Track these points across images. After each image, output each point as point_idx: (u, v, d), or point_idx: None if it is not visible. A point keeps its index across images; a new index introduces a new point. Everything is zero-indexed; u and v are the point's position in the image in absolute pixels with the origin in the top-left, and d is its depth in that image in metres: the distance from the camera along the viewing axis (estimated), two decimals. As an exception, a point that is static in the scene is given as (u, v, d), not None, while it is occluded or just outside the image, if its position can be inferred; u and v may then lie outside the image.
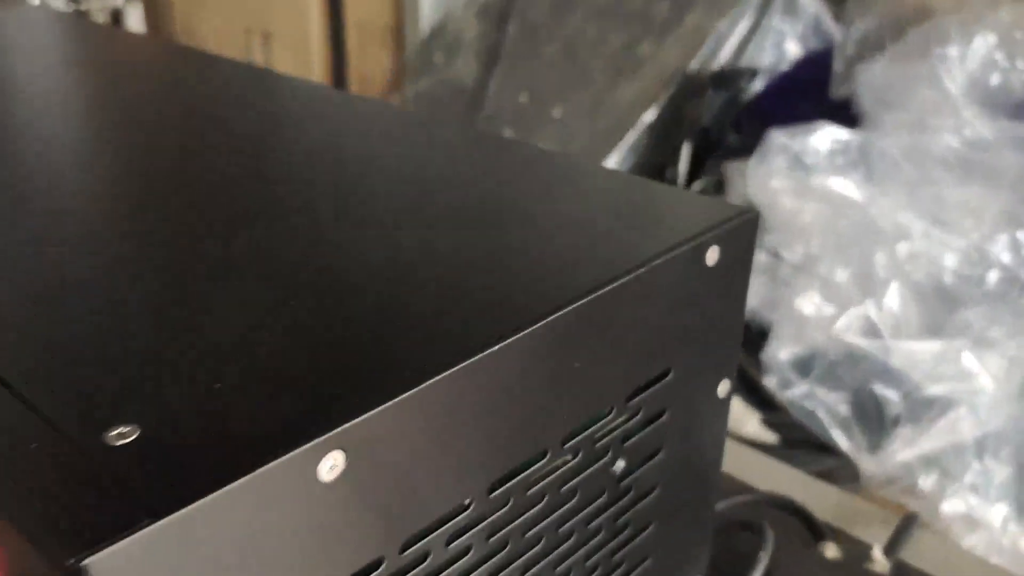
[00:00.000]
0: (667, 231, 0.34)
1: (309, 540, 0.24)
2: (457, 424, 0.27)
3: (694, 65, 1.32)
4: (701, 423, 0.38)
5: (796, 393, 0.89)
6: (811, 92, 1.15)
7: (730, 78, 1.27)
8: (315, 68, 1.85)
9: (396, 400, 0.25)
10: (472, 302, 0.29)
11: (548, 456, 0.30)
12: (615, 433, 0.33)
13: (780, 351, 0.91)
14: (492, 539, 0.30)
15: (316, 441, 0.23)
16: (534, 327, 0.28)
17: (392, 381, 0.25)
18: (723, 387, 0.38)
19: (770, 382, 0.90)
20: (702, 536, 0.42)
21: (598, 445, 0.33)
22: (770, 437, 0.90)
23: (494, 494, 0.29)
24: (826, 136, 0.98)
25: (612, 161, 1.35)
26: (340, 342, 0.27)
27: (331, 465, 0.24)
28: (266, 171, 0.40)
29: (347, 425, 0.24)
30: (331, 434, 0.24)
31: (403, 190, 0.38)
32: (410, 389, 0.25)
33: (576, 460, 0.32)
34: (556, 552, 0.33)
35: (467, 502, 0.28)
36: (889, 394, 0.87)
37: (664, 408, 0.35)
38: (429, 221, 0.35)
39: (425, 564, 0.28)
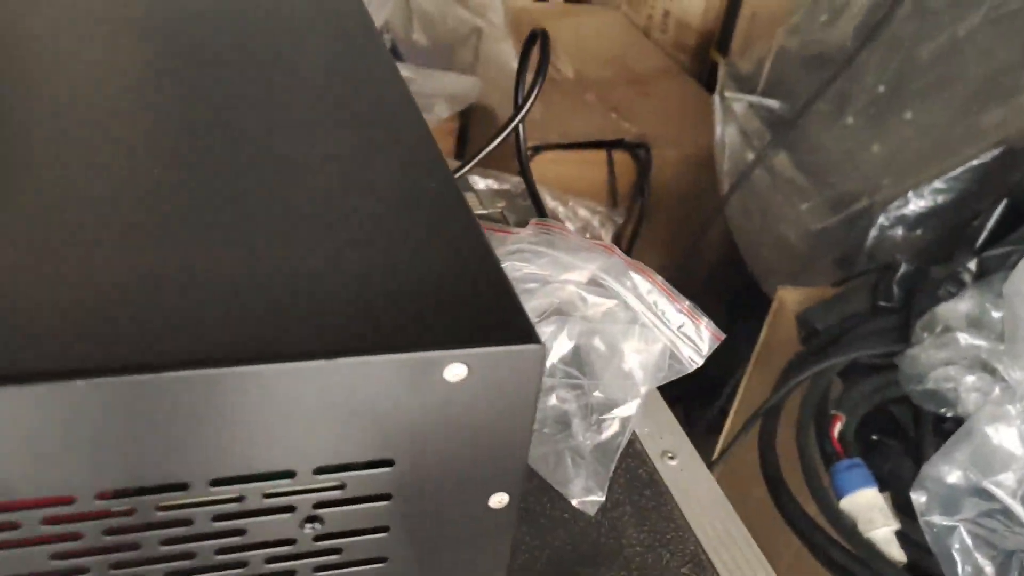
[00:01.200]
0: (412, 326, 0.32)
1: None
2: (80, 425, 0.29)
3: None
4: (460, 526, 0.37)
5: (938, 523, 0.76)
6: None
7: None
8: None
9: None
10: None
11: (190, 488, 0.32)
12: (305, 496, 0.34)
13: (948, 472, 0.78)
14: (109, 538, 0.32)
15: None
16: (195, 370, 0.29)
17: None
18: (496, 499, 0.36)
19: (917, 498, 0.78)
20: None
21: (270, 500, 0.33)
22: (897, 553, 0.79)
23: (109, 500, 0.31)
24: None
25: (936, 184, 1.19)
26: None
27: None
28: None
29: None
30: None
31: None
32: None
33: (239, 503, 0.33)
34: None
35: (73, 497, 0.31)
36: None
37: (389, 492, 0.35)
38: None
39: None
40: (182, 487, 0.32)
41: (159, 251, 0.34)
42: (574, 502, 0.60)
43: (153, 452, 0.31)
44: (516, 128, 0.70)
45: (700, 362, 0.66)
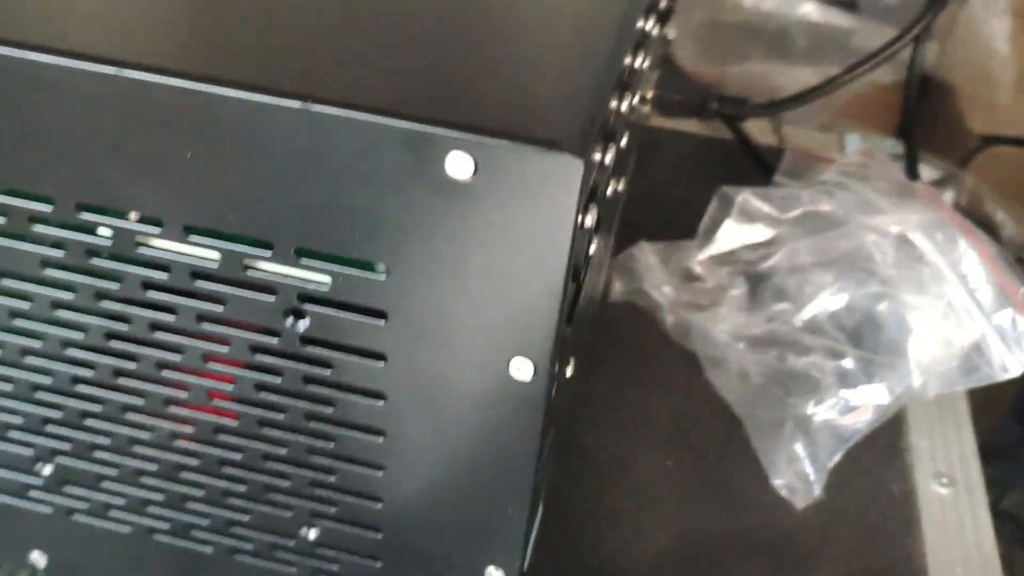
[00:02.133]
0: (427, 95, 0.25)
1: None
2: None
3: None
4: (472, 391, 0.29)
5: None
6: None
7: None
8: None
9: None
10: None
11: (164, 228, 0.28)
12: (281, 279, 0.28)
13: None
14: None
15: None
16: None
17: None
18: (517, 365, 0.28)
19: None
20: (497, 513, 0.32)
21: (250, 273, 0.28)
22: None
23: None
24: None
25: None
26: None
27: None
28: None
29: None
30: None
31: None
32: None
33: (216, 266, 0.28)
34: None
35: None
36: None
37: (383, 310, 0.28)
38: None
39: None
40: (156, 223, 0.28)
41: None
42: (776, 484, 0.48)
43: (123, 168, 0.27)
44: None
45: (1017, 371, 0.49)
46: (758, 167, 0.67)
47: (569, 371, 0.31)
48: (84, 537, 0.39)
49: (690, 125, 0.71)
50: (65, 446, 0.35)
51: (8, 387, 0.34)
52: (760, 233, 0.54)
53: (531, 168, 0.24)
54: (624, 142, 0.35)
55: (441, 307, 0.27)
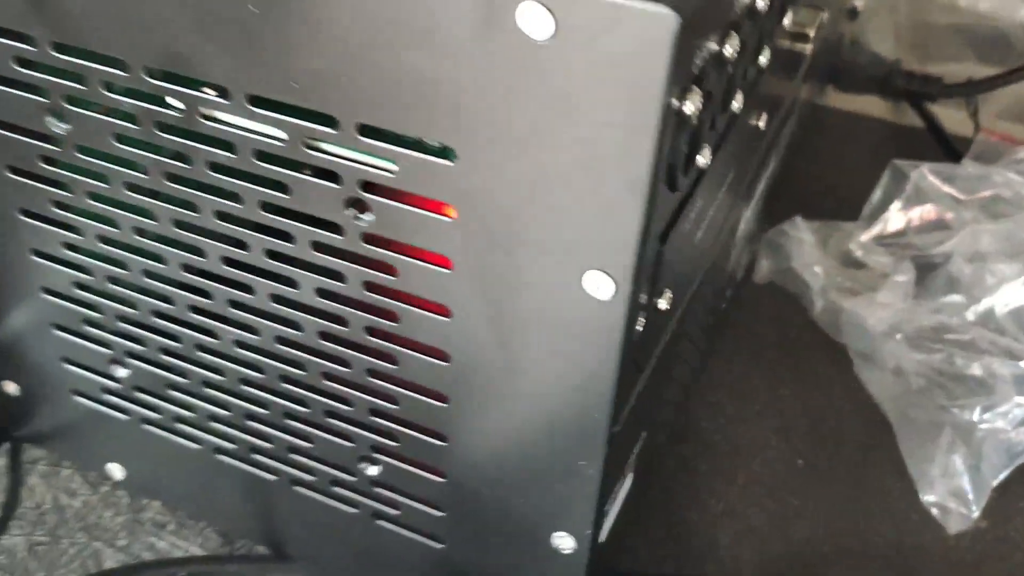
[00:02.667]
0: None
1: None
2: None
3: None
4: (546, 302, 0.25)
5: None
6: None
7: None
8: None
9: None
10: None
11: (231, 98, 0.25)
12: (345, 164, 0.25)
13: None
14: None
15: None
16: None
17: None
18: (594, 282, 0.24)
19: None
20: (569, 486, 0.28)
21: (312, 153, 0.25)
22: None
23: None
24: None
25: None
26: None
27: None
28: None
29: None
30: None
31: None
32: None
33: (277, 143, 0.26)
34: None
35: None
36: None
37: (451, 199, 0.24)
38: None
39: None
40: (222, 92, 0.26)
41: None
42: (926, 500, 0.42)
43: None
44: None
45: None
46: (946, 155, 0.59)
47: (663, 303, 0.27)
48: (156, 453, 0.37)
49: (870, 105, 0.64)
50: (137, 348, 0.34)
51: (86, 278, 0.33)
52: (936, 214, 0.47)
53: (619, 26, 0.20)
54: (764, 60, 0.30)
55: (512, 203, 0.24)
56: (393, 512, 0.33)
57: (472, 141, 0.23)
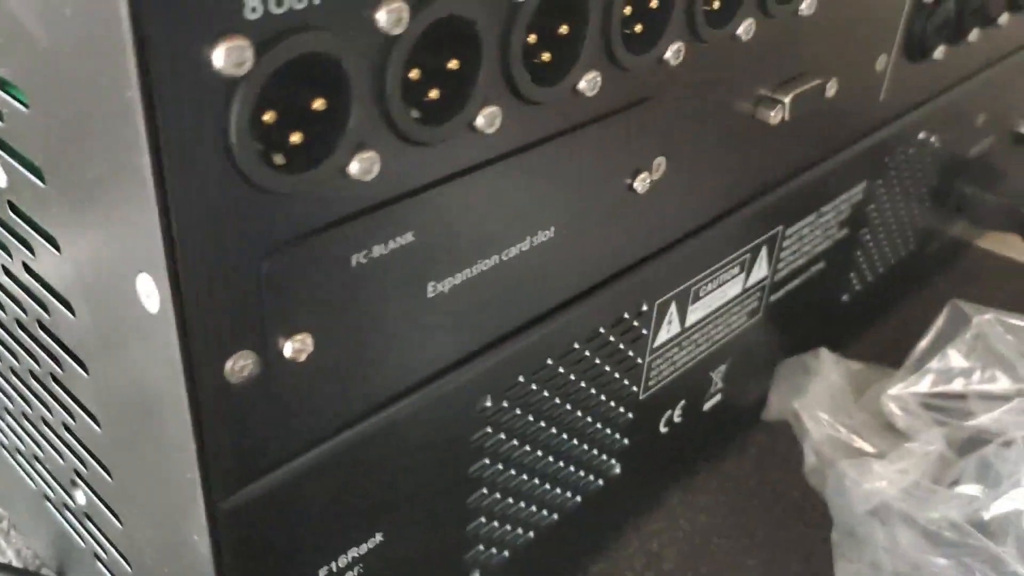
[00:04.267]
0: None
1: None
2: None
3: None
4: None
5: None
6: None
7: None
8: None
9: None
10: None
11: None
12: None
13: None
14: None
15: None
16: None
17: None
18: (143, 283, 0.18)
19: None
20: None
21: None
22: None
23: None
24: None
25: None
26: None
27: None
28: None
29: None
30: None
31: None
32: None
33: None
34: None
35: None
36: None
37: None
38: None
39: None
40: None
41: None
42: None
43: None
44: None
45: None
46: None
47: (289, 349, 0.20)
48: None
49: (1007, 246, 0.52)
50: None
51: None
52: (993, 375, 0.36)
53: None
54: None
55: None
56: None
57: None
